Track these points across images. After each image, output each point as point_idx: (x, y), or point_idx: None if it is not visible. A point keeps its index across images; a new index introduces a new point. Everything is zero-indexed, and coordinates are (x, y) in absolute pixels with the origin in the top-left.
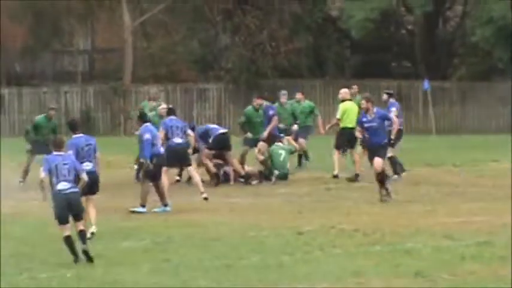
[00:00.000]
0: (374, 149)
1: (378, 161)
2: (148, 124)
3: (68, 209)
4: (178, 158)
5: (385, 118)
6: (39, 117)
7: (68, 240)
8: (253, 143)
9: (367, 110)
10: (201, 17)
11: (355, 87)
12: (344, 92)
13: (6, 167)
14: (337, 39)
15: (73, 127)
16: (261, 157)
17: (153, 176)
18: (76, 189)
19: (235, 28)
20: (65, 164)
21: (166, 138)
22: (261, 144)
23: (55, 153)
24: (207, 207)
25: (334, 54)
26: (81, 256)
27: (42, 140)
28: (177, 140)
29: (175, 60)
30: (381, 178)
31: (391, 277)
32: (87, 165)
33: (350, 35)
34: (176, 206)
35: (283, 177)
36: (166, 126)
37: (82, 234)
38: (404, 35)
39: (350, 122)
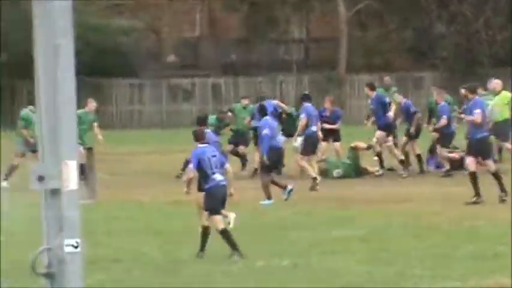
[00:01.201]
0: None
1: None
2: (268, 118)
3: (222, 201)
4: (313, 146)
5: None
6: (211, 118)
7: (227, 233)
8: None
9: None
10: (415, 6)
11: None
12: (496, 83)
13: None
14: None
15: (200, 121)
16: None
17: (270, 170)
18: (225, 182)
19: (451, 17)
20: (213, 156)
21: (306, 125)
22: (378, 133)
23: (200, 145)
24: (422, 197)
25: None
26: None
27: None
28: (314, 128)
29: (389, 49)
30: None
31: None
32: None
33: None
34: (392, 195)
35: None
36: (307, 113)
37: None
38: None
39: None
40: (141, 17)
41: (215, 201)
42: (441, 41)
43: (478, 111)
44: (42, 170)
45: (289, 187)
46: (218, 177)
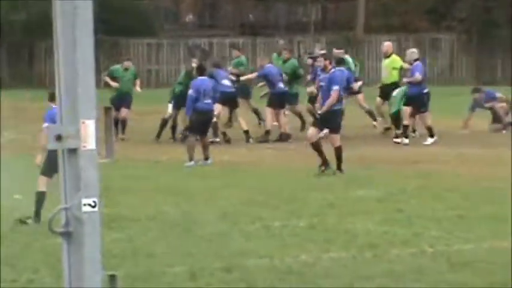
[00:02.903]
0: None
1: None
2: (202, 78)
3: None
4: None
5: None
6: (180, 76)
7: (43, 197)
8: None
9: (325, 67)
10: None
11: None
12: (387, 45)
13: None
14: None
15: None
16: None
17: (197, 130)
18: None
19: None
20: None
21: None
22: None
23: (54, 106)
24: (439, 158)
25: None
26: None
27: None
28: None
29: (407, 10)
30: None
31: None
32: None
33: None
34: (410, 157)
35: None
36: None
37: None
38: None
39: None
40: None
41: (52, 165)
42: (458, 2)
43: (336, 87)
44: (60, 129)
45: (208, 161)
46: None
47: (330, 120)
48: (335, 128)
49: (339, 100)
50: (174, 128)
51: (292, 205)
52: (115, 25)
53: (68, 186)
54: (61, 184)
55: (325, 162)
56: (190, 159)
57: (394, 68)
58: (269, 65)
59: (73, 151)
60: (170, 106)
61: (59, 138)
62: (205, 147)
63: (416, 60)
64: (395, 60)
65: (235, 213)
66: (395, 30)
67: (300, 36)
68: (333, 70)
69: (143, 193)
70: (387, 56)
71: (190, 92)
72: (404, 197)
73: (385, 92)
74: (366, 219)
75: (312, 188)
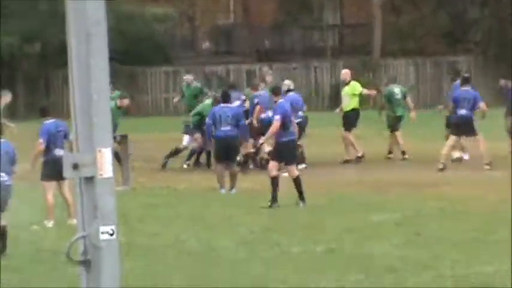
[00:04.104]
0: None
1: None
2: (223, 105)
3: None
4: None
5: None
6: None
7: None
8: None
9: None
10: None
11: None
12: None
13: None
14: None
15: (43, 112)
16: None
17: (220, 158)
18: (10, 182)
19: (484, 0)
20: (6, 153)
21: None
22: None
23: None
24: (459, 181)
25: None
26: None
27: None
28: (462, 111)
29: (423, 34)
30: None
31: None
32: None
33: None
34: (426, 180)
35: None
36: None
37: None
38: None
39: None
40: (176, 5)
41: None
42: (475, 25)
43: (277, 117)
44: (76, 157)
45: (233, 191)
46: (2, 176)
47: (283, 152)
48: (289, 160)
49: (287, 130)
50: (208, 154)
51: (309, 231)
52: (131, 54)
53: (85, 215)
54: (78, 212)
55: (274, 199)
56: (221, 186)
57: (354, 95)
58: (262, 92)
59: (90, 179)
60: (186, 137)
61: (75, 166)
62: (232, 176)
63: (288, 91)
64: (355, 86)
65: (253, 240)
66: (412, 54)
67: (317, 62)
68: (279, 101)
69: (161, 221)
70: (346, 83)
71: (207, 119)
72: (422, 220)
73: (347, 119)
74: (384, 243)
75: (328, 213)
